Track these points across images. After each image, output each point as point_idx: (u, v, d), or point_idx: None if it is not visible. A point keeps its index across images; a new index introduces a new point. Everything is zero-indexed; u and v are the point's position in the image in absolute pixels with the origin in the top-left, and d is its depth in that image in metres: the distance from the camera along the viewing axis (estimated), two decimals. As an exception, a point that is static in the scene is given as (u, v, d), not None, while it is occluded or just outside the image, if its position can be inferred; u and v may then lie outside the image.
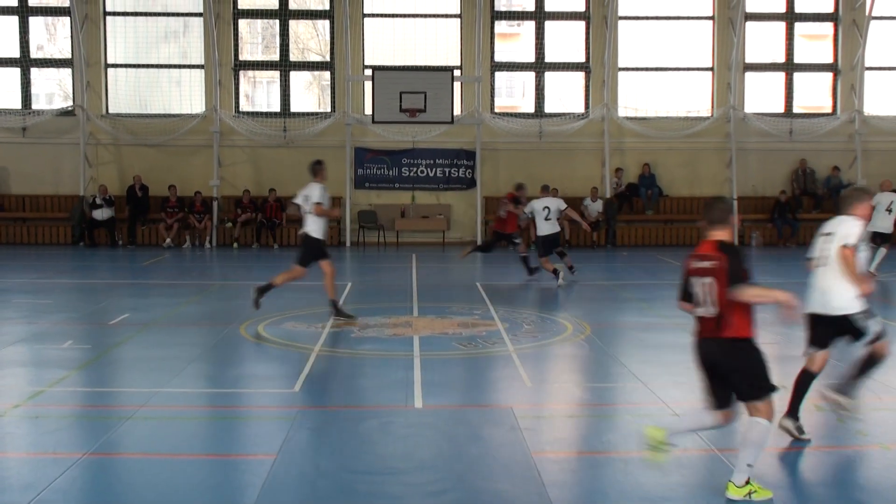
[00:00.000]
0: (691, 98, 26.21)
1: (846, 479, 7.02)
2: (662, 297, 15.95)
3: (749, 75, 26.24)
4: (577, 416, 8.71)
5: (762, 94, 26.45)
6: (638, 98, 25.99)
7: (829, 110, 26.58)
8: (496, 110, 26.24)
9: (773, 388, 6.32)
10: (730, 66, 25.61)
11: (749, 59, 26.12)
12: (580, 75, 26.17)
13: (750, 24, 25.96)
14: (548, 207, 17.11)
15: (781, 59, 26.36)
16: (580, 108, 26.06)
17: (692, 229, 25.15)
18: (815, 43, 27.64)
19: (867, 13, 25.50)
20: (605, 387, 9.86)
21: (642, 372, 10.13)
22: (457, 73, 25.12)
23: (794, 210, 25.15)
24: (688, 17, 26.08)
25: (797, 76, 26.69)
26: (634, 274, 19.70)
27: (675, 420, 7.70)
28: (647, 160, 25.69)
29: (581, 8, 25.76)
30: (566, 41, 26.25)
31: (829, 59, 26.48)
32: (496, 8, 26.27)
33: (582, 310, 14.72)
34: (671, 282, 17.97)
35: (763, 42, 26.34)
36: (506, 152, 25.68)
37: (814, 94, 27.36)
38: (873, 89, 26.44)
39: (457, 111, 24.94)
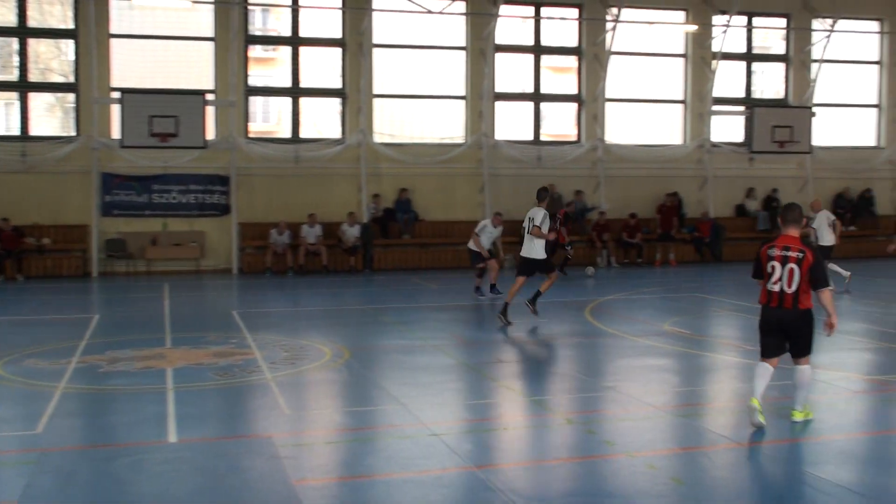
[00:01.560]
0: (445, 125, 26.85)
1: (595, 488, 7.25)
2: (421, 320, 16.20)
3: (500, 104, 27.17)
4: (338, 442, 8.61)
5: (512, 122, 27.47)
6: (394, 124, 26.36)
7: (575, 138, 27.94)
8: (251, 135, 25.82)
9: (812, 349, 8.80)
10: (481, 95, 26.43)
11: (499, 89, 27.05)
12: (336, 101, 26.22)
13: (500, 56, 26.93)
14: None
15: (530, 89, 27.50)
16: (337, 134, 26.09)
17: (449, 252, 25.69)
18: (561, 75, 29.08)
19: (607, 48, 27.03)
20: (366, 410, 9.81)
21: (402, 394, 10.16)
22: (210, 96, 24.54)
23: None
24: (441, 47, 26.71)
25: (544, 105, 27.93)
26: (393, 297, 19.87)
27: (754, 386, 8.80)
28: (404, 185, 26.03)
29: (337, 35, 25.83)
30: (322, 67, 26.26)
31: (574, 91, 27.86)
32: (250, 32, 25.94)
33: (341, 334, 14.65)
34: (429, 304, 18.39)
35: (512, 73, 27.38)
36: (262, 178, 25.28)
37: (560, 122, 28.74)
38: (613, 119, 28.04)
39: (210, 136, 24.37)
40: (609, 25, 26.89)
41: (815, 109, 28.50)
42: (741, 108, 28.97)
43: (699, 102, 28.27)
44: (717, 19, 27.99)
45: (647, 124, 28.75)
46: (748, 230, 28.60)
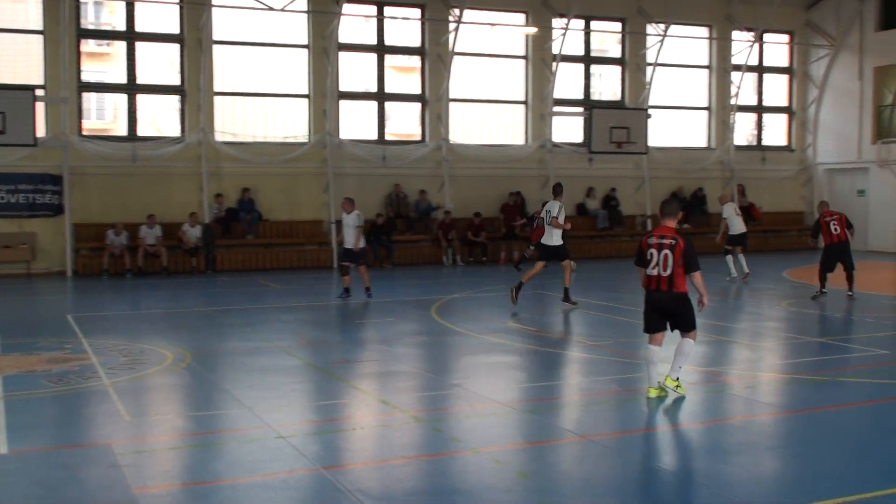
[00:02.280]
0: (289, 124, 26.53)
1: (443, 485, 7.27)
2: (265, 321, 15.94)
3: (344, 103, 27.03)
4: (181, 448, 8.36)
5: (356, 122, 27.38)
6: (236, 123, 25.85)
7: (419, 138, 28.08)
8: (85, 133, 24.84)
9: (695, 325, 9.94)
10: (325, 94, 26.23)
11: (343, 88, 26.91)
12: (175, 98, 25.53)
13: (343, 54, 26.79)
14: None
15: (374, 88, 27.47)
16: (176, 132, 25.42)
17: (293, 252, 25.42)
18: (405, 75, 29.17)
19: (450, 48, 27.26)
20: (209, 414, 9.56)
21: (247, 397, 9.96)
22: (40, 92, 23.49)
23: (388, 232, 26.16)
24: (284, 45, 26.37)
25: (388, 105, 27.97)
26: (236, 299, 19.47)
27: (650, 375, 9.89)
28: (247, 185, 25.58)
29: (175, 30, 25.15)
30: (160, 63, 25.53)
31: (418, 90, 27.99)
32: (82, 26, 24.96)
33: (182, 337, 14.25)
34: (274, 305, 18.13)
35: (356, 72, 27.30)
36: (97, 177, 24.37)
37: (405, 122, 28.83)
38: (457, 119, 28.33)
39: (41, 133, 23.34)
40: (452, 26, 27.14)
41: (650, 111, 29.52)
42: (580, 110, 29.72)
43: (540, 103, 28.86)
44: (557, 22, 28.64)
45: (490, 124, 29.17)
46: (588, 228, 29.38)
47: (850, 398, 10.15)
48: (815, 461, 7.90)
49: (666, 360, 10.03)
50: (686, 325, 9.87)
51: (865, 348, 13.02)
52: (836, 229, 18.14)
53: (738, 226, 21.70)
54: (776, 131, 33.80)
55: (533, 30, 28.37)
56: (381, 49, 27.42)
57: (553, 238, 17.02)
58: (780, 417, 9.48)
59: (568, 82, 29.74)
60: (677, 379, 9.90)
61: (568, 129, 29.89)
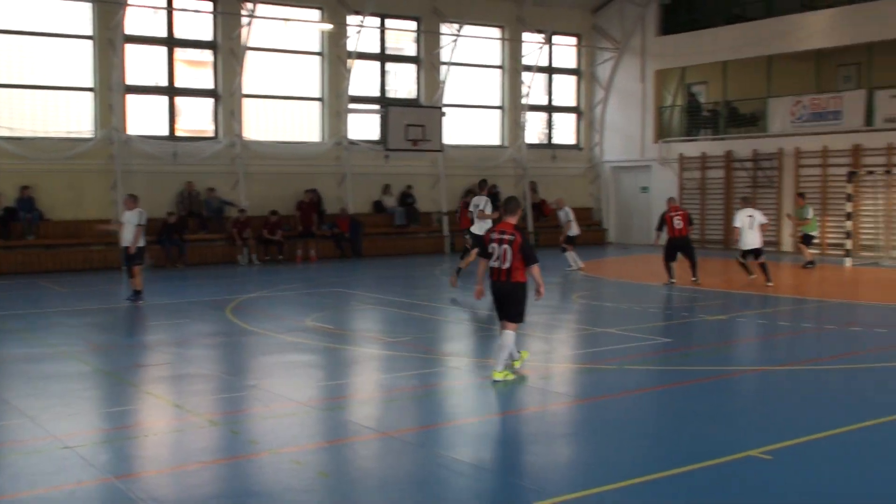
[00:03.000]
0: (72, 118, 25.27)
1: (240, 489, 7.07)
2: (49, 326, 15.14)
3: (131, 97, 25.98)
4: (-46, 463, 7.78)
5: (146, 117, 26.40)
6: (13, 117, 24.38)
7: (212, 134, 27.37)
8: None
9: (522, 318, 10.62)
10: (111, 87, 25.15)
11: (131, 81, 25.88)
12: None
13: (131, 47, 25.76)
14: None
15: (164, 82, 26.57)
16: (-53, 127, 23.79)
17: (79, 253, 24.28)
18: (196, 69, 28.34)
19: (243, 43, 26.73)
20: (-14, 427, 8.95)
21: (29, 406, 9.39)
22: None
23: (181, 231, 25.38)
24: (66, 35, 25.08)
25: (179, 100, 27.13)
26: (16, 303, 18.33)
27: (501, 352, 10.56)
28: (26, 182, 24.18)
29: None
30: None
31: (210, 85, 27.27)
32: None
33: (-43, 345, 13.31)
34: (58, 309, 17.21)
35: (145, 65, 26.33)
36: None
37: (197, 118, 28.03)
38: (252, 116, 27.80)
39: None
40: (245, 20, 26.60)
41: (444, 109, 29.94)
42: (376, 107, 29.79)
43: (336, 100, 28.74)
44: (352, 19, 28.60)
45: (285, 121, 28.82)
46: (386, 226, 29.51)
47: (636, 385, 10.59)
48: (607, 446, 8.19)
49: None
50: (510, 316, 10.52)
51: (649, 337, 13.63)
52: (679, 224, 19.80)
53: (573, 228, 23.26)
54: (565, 130, 35.02)
55: (328, 26, 28.22)
56: (171, 42, 26.56)
57: (482, 228, 18.06)
58: (572, 406, 9.78)
59: (364, 80, 29.76)
60: (505, 370, 10.47)
61: (364, 126, 29.91)
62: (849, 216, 24.93)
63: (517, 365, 10.90)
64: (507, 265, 10.37)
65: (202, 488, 7.09)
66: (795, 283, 21.05)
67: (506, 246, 10.38)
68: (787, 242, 28.39)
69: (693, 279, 19.81)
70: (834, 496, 6.84)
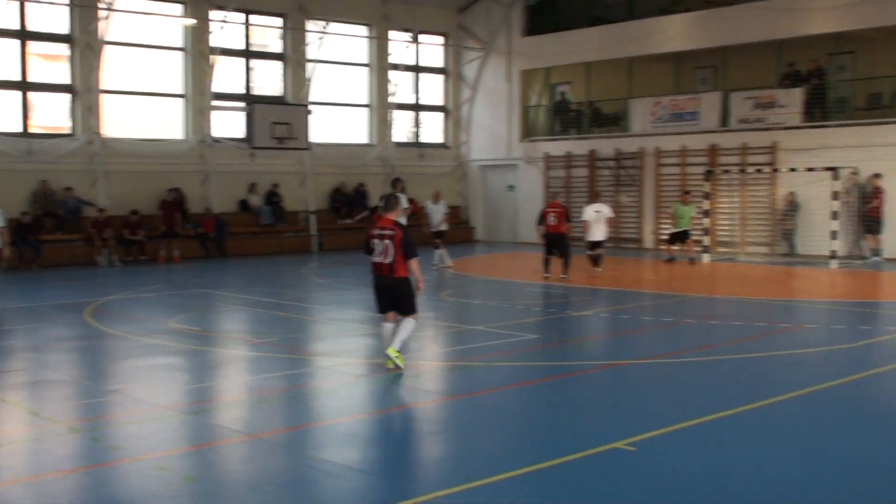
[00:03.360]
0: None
1: (103, 498, 6.83)
2: None
3: (-17, 93, 24.88)
4: None
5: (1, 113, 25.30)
6: None
7: (69, 131, 26.42)
8: None
9: (416, 309, 11.01)
10: (-40, 82, 24.04)
11: (-19, 76, 24.79)
12: None
13: (-20, 39, 24.68)
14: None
15: (17, 77, 25.49)
16: None
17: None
18: (51, 63, 27.28)
19: (100, 37, 25.89)
20: None
21: None
22: None
23: (36, 232, 24.41)
24: None
25: (33, 95, 26.08)
26: None
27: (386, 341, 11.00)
28: None
29: None
30: None
31: (67, 80, 26.32)
32: None
33: None
34: None
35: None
36: None
37: (52, 114, 26.98)
38: (112, 112, 26.94)
39: None
40: (103, 14, 25.78)
41: (311, 107, 29.68)
42: (241, 104, 29.31)
43: (199, 97, 28.15)
44: (215, 14, 28.06)
45: (147, 118, 28.08)
46: (252, 225, 29.08)
47: (504, 381, 10.70)
48: (476, 443, 8.24)
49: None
50: (405, 309, 10.95)
51: (516, 333, 13.80)
52: (553, 220, 20.33)
53: (441, 224, 23.78)
54: (433, 129, 35.19)
55: (191, 21, 27.61)
56: (23, 35, 25.50)
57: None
58: (441, 403, 9.81)
59: (228, 76, 29.24)
60: (399, 350, 10.87)
61: (229, 123, 29.38)
62: (706, 213, 25.81)
63: (389, 364, 10.88)
64: (389, 260, 10.68)
65: (62, 498, 6.83)
66: (659, 280, 21.72)
67: (387, 241, 10.67)
68: (649, 240, 29.23)
69: (563, 276, 20.21)
70: (695, 484, 7.04)
